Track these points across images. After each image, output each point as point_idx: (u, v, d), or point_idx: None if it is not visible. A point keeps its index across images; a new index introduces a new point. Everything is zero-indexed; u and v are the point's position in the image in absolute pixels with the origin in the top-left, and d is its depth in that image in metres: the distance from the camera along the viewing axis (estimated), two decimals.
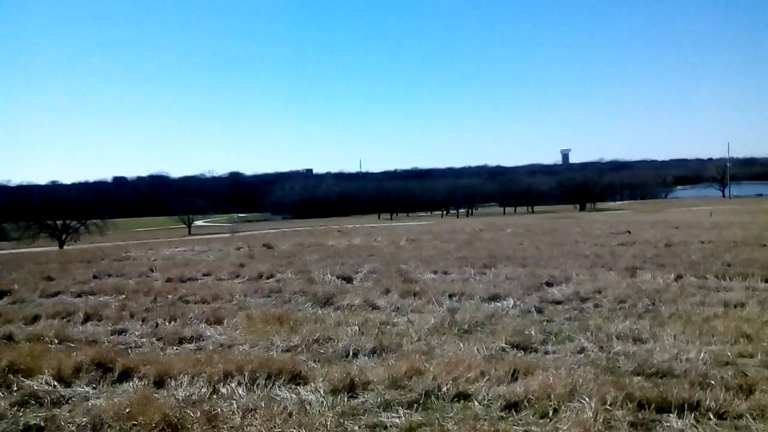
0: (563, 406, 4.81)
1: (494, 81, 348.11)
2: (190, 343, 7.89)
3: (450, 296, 10.52)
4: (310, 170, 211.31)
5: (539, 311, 9.17)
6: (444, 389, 5.39)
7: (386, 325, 8.47)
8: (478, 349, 6.81)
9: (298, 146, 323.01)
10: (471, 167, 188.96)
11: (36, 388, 5.82)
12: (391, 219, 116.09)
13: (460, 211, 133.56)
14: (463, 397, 5.30)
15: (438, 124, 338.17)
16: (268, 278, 14.36)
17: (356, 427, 4.55)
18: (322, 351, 7.13)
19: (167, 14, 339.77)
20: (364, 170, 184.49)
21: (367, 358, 6.76)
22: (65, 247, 71.36)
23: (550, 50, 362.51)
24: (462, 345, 7.08)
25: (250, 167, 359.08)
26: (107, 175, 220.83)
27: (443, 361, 6.16)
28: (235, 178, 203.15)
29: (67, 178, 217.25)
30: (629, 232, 26.07)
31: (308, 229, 57.77)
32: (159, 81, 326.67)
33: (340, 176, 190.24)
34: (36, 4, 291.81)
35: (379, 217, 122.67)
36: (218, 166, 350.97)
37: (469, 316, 8.58)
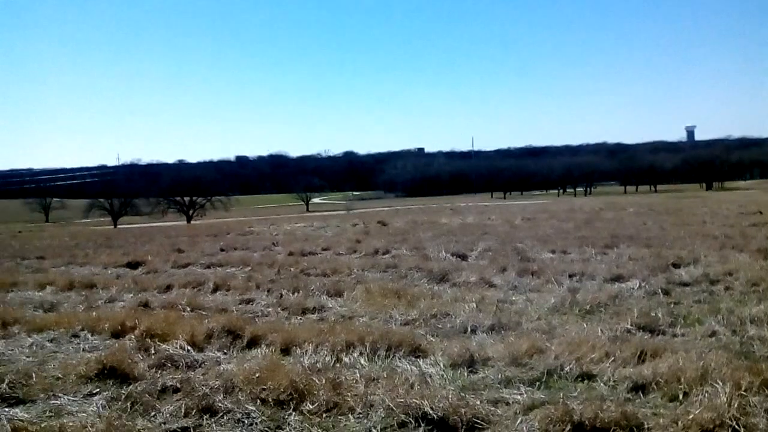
0: (694, 390, 4.60)
1: (612, 55, 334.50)
2: (312, 313, 8.15)
3: (570, 276, 10.26)
4: (422, 149, 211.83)
5: (666, 293, 8.78)
6: (567, 369, 5.28)
7: (504, 303, 8.39)
8: (601, 330, 6.61)
9: (410, 125, 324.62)
10: (589, 144, 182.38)
11: (171, 352, 6.19)
12: (504, 198, 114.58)
13: (577, 189, 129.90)
14: (587, 377, 5.17)
15: (553, 100, 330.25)
16: (383, 254, 14.57)
17: (478, 402, 4.54)
18: (440, 326, 7.17)
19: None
20: (476, 148, 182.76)
21: (485, 334, 6.72)
22: (192, 222, 75.28)
23: (674, 21, 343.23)
24: (585, 325, 6.91)
25: (364, 147, 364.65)
26: (230, 155, 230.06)
27: (565, 340, 6.03)
28: (349, 157, 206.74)
29: (192, 157, 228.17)
30: (761, 212, 24.45)
31: (420, 207, 57.93)
32: (280, 67, 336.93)
33: (451, 155, 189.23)
34: None
35: (491, 196, 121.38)
36: (334, 146, 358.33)
37: (590, 297, 8.35)
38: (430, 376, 5.21)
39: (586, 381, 5.10)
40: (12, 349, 6.76)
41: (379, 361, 5.68)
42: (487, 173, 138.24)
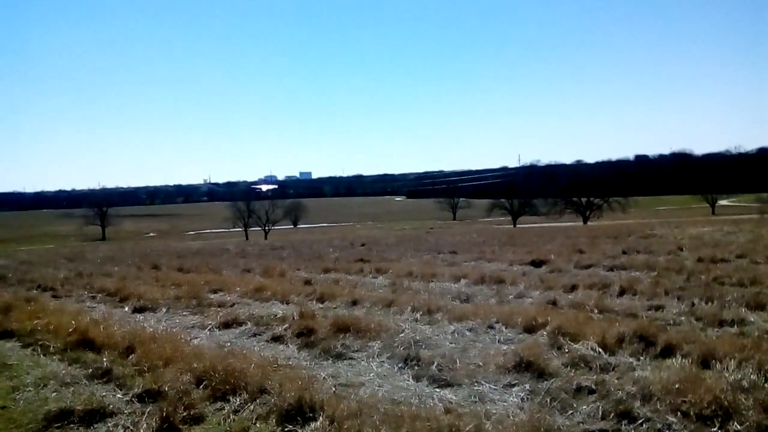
0: None
1: None
2: (730, 326, 7.49)
3: None
4: None
5: None
6: None
7: None
8: None
9: None
10: None
11: (583, 352, 6.28)
12: None
13: None
14: None
15: None
16: None
17: None
18: None
19: None
20: None
21: None
22: (589, 222, 74.95)
23: None
24: None
25: None
26: (629, 154, 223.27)
27: None
28: (765, 153, 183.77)
29: (591, 157, 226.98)
30: None
31: None
32: (685, 54, 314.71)
33: None
34: None
35: None
36: (746, 142, 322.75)
37: None
38: None
39: None
40: (437, 335, 7.58)
41: None
42: None
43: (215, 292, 12.59)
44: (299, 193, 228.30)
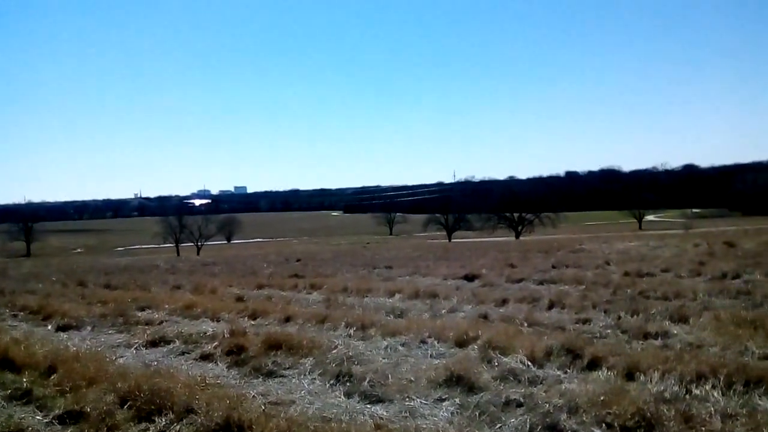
0: None
1: None
2: (655, 338, 7.69)
3: None
4: None
5: None
6: None
7: None
8: None
9: (762, 135, 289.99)
10: None
11: (513, 365, 6.35)
12: None
13: None
14: None
15: None
16: (733, 278, 13.20)
17: None
18: None
19: None
20: None
21: None
22: (521, 237, 76.44)
23: None
24: None
25: (707, 159, 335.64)
26: (560, 170, 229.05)
27: None
28: (689, 170, 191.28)
29: (523, 174, 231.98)
30: None
31: None
32: (615, 72, 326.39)
33: None
34: None
35: None
36: (671, 159, 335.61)
37: None
38: None
39: None
40: (370, 350, 7.55)
41: (736, 396, 5.16)
42: None
43: (143, 309, 12.25)
44: (234, 207, 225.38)
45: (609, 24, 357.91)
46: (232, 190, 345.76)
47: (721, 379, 5.48)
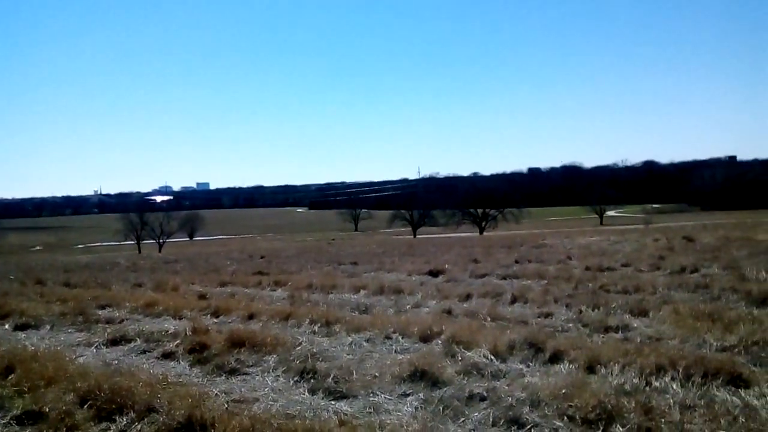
0: None
1: None
2: (615, 332, 7.81)
3: None
4: (734, 157, 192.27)
5: None
6: None
7: None
8: None
9: (720, 131, 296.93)
10: None
11: (476, 360, 6.39)
12: None
13: None
14: None
15: None
16: (691, 272, 13.48)
17: None
18: (763, 354, 6.43)
19: None
20: None
21: None
22: (485, 233, 77.05)
23: None
24: None
25: (666, 155, 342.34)
26: (523, 167, 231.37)
27: None
28: (649, 167, 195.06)
29: (486, 170, 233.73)
30: None
31: (732, 221, 52.52)
32: (573, 73, 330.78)
33: None
34: None
35: None
36: (632, 155, 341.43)
37: None
38: (756, 409, 4.71)
39: None
40: (335, 347, 7.52)
41: (694, 388, 5.26)
42: None
43: (103, 308, 12.02)
44: (196, 204, 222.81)
45: (568, 22, 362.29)
46: (195, 186, 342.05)
47: (680, 371, 5.59)
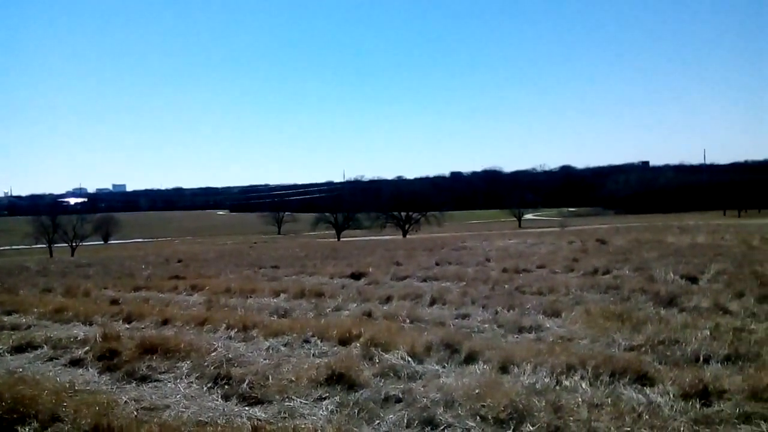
0: None
1: None
2: (529, 332, 8.01)
3: None
4: (646, 162, 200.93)
5: None
6: None
7: (741, 332, 7.66)
8: None
9: (634, 137, 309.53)
10: None
11: (394, 362, 6.42)
12: (739, 216, 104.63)
13: None
14: None
15: None
16: (603, 274, 13.97)
17: None
18: (668, 353, 6.69)
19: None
20: (708, 162, 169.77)
21: (720, 365, 6.19)
22: (408, 236, 77.65)
23: None
24: None
25: (582, 160, 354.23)
26: (446, 170, 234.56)
27: None
28: (566, 171, 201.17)
29: (410, 173, 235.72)
30: None
31: (643, 225, 54.77)
32: (494, 80, 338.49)
33: (680, 169, 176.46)
34: None
35: (724, 214, 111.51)
36: (550, 160, 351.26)
37: None
38: (659, 406, 4.90)
39: None
40: (251, 352, 7.41)
41: (602, 386, 5.43)
42: (720, 189, 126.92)
43: (9, 314, 11.51)
44: (112, 206, 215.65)
45: (480, 26, 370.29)
46: (111, 188, 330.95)
47: (589, 370, 5.76)
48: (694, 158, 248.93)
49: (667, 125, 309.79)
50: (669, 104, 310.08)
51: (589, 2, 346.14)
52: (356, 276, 15.72)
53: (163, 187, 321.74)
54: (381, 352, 6.78)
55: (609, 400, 5.03)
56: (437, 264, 17.93)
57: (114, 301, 12.93)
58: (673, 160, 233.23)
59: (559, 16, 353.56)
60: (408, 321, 8.88)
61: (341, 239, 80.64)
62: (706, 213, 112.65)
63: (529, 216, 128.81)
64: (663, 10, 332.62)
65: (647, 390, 5.31)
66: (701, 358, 6.36)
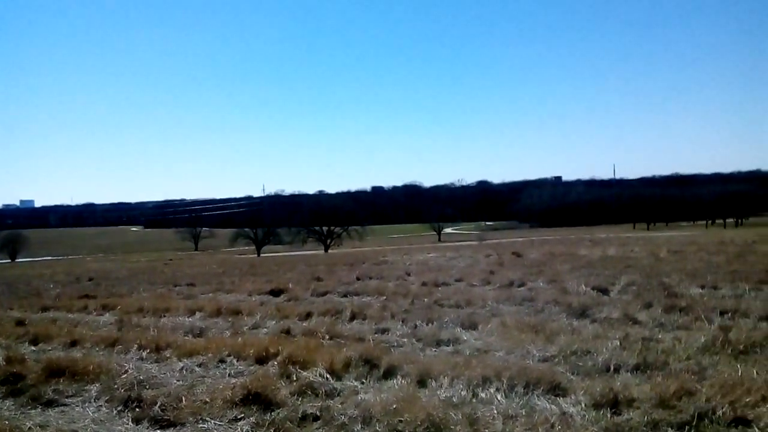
0: None
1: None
2: (447, 345, 8.10)
3: (721, 313, 9.61)
4: (559, 177, 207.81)
5: None
6: (719, 413, 4.93)
7: (649, 341, 7.96)
8: (757, 372, 6.14)
9: (547, 153, 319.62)
10: (741, 172, 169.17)
11: (312, 379, 6.35)
12: (648, 229, 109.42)
13: (727, 221, 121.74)
14: (742, 422, 4.80)
15: (703, 125, 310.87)
16: (519, 286, 14.28)
17: None
18: (580, 363, 6.89)
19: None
20: (617, 177, 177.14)
21: (629, 374, 6.41)
22: (329, 251, 77.44)
23: None
24: (738, 366, 6.43)
25: (498, 176, 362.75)
26: (367, 185, 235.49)
27: (717, 382, 5.64)
28: (483, 186, 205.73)
29: (332, 188, 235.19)
30: None
31: (557, 238, 56.52)
32: (413, 98, 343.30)
33: (591, 183, 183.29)
34: None
35: (634, 227, 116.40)
36: (467, 176, 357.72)
37: (744, 336, 7.77)
38: (571, 416, 5.02)
39: (740, 426, 4.74)
40: (164, 373, 7.19)
41: (517, 398, 5.54)
42: (629, 203, 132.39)
43: None
44: (20, 223, 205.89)
45: (399, 44, 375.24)
46: (18, 204, 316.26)
47: (505, 381, 5.86)
48: (604, 173, 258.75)
49: (579, 141, 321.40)
50: (580, 121, 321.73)
51: (492, 21, 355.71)
52: (276, 292, 15.52)
53: (73, 203, 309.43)
54: (299, 370, 6.70)
55: (523, 411, 5.12)
56: (358, 279, 17.92)
57: (19, 322, 12.30)
58: (585, 175, 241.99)
59: (468, 33, 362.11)
60: (327, 337, 8.81)
61: (261, 255, 79.67)
62: (617, 226, 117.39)
63: (448, 230, 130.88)
64: (567, 27, 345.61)
65: (560, 400, 5.44)
66: (612, 368, 6.56)
